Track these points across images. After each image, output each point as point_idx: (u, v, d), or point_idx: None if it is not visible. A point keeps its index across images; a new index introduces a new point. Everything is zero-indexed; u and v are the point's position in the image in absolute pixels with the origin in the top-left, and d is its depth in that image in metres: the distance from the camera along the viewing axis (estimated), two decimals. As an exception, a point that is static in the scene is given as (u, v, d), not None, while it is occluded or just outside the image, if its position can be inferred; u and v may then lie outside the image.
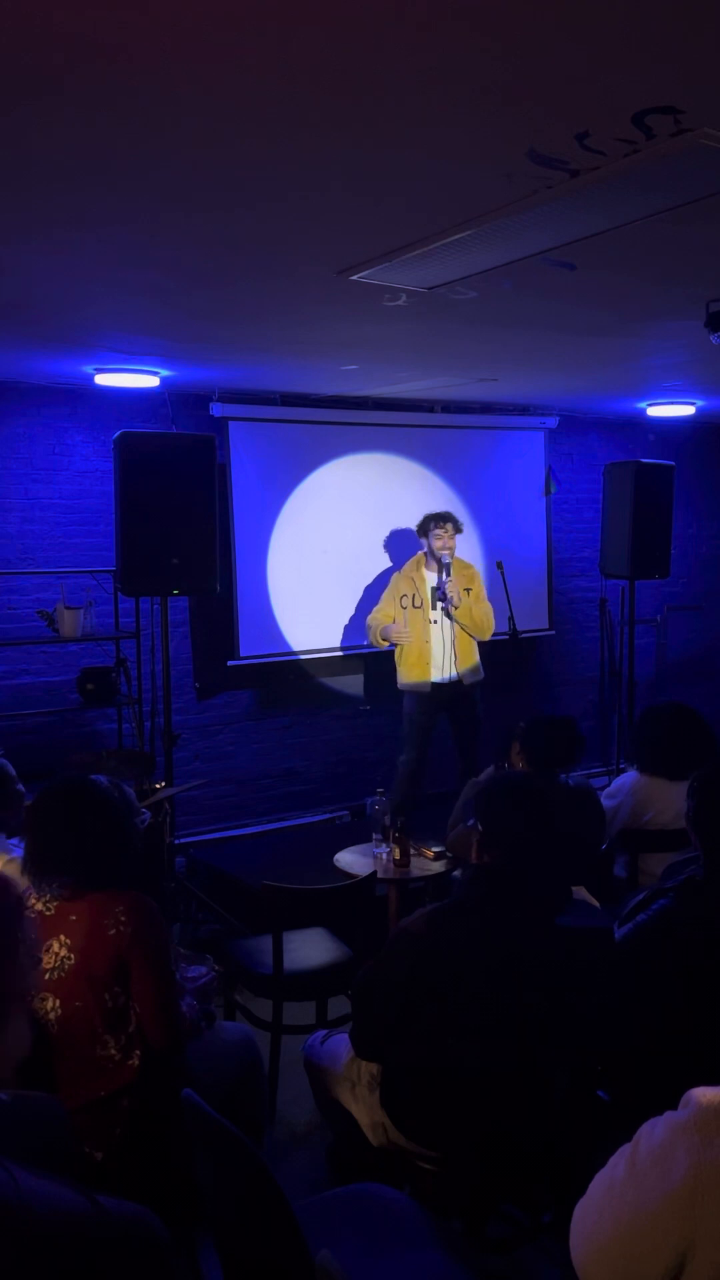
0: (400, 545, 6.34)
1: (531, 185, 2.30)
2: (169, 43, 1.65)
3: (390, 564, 6.27)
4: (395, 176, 2.27)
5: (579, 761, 3.84)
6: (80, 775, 2.67)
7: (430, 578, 5.63)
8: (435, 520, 5.58)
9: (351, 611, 6.28)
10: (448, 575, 5.55)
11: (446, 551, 5.53)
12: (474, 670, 5.68)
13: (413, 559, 5.74)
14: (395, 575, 5.80)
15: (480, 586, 5.75)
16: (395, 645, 5.67)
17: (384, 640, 5.64)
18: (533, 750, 3.76)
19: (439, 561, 5.55)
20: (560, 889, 2.64)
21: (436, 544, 5.55)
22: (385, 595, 5.75)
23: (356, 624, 6.22)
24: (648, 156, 2.11)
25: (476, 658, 5.71)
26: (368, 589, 6.28)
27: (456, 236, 2.67)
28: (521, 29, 1.61)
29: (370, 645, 5.86)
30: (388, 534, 6.36)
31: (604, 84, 1.80)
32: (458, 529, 5.60)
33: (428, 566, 5.65)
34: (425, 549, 5.64)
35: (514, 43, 1.66)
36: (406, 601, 5.62)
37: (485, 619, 5.71)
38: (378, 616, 5.69)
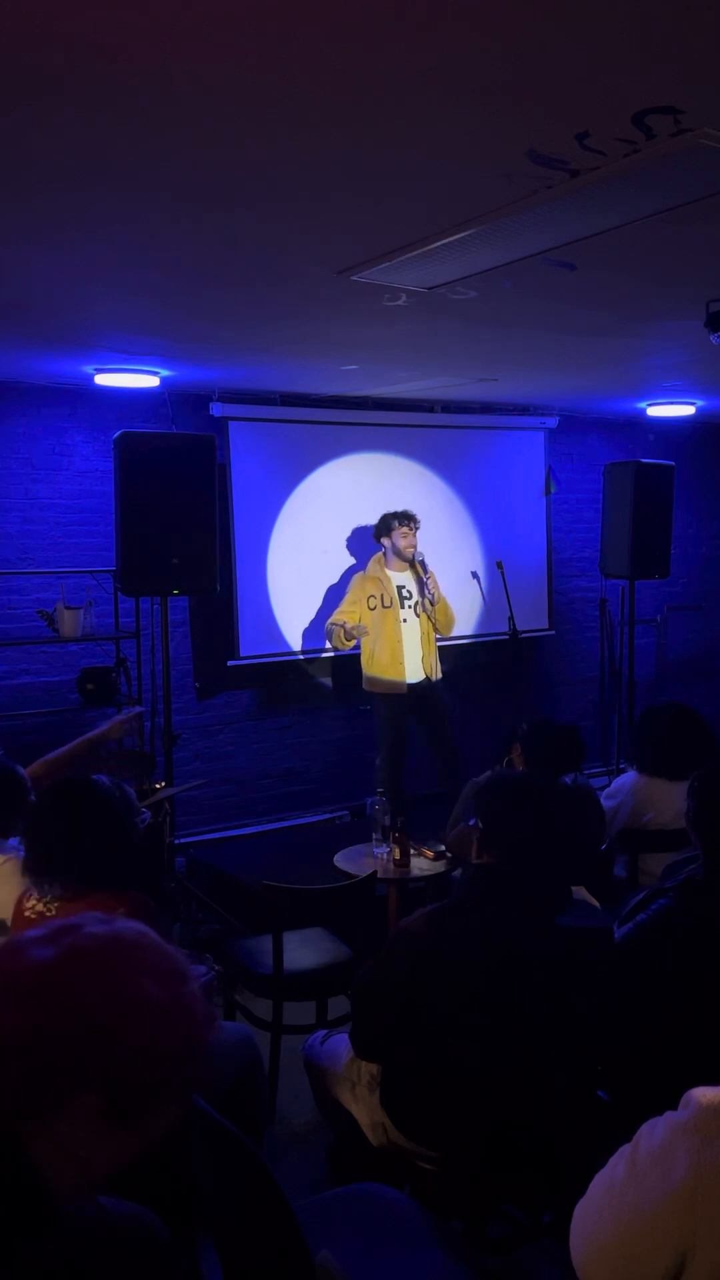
0: (367, 550, 6.32)
1: (531, 185, 2.30)
2: (169, 43, 1.65)
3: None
4: (395, 176, 2.27)
5: (579, 767, 3.83)
6: (82, 775, 2.67)
7: (395, 577, 5.63)
8: (399, 519, 5.57)
9: (314, 617, 6.20)
10: (426, 572, 5.59)
11: (414, 549, 5.57)
12: (439, 668, 5.72)
13: (374, 559, 5.74)
14: (357, 576, 5.75)
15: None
16: (360, 647, 5.66)
17: (349, 641, 5.57)
18: (533, 752, 3.76)
19: (409, 560, 5.57)
20: (561, 889, 2.64)
21: (403, 543, 5.56)
22: (349, 597, 5.70)
23: (317, 630, 6.15)
24: (648, 156, 2.11)
25: (437, 660, 5.73)
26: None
27: (456, 236, 2.67)
28: (521, 29, 1.61)
29: (335, 649, 5.82)
30: (353, 540, 6.31)
31: (604, 84, 1.80)
32: (417, 526, 5.63)
33: (390, 566, 5.64)
34: (388, 549, 5.63)
35: (514, 43, 1.66)
36: (375, 602, 5.59)
37: (453, 614, 5.79)
38: (343, 617, 5.61)
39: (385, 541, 5.63)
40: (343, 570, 6.20)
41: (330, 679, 6.41)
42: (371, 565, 5.72)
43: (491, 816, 2.52)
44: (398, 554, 5.58)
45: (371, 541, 5.83)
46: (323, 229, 2.66)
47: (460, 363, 5.02)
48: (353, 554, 6.23)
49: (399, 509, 5.63)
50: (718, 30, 1.61)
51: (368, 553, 5.94)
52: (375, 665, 5.63)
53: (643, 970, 2.45)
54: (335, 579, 6.18)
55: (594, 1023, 2.45)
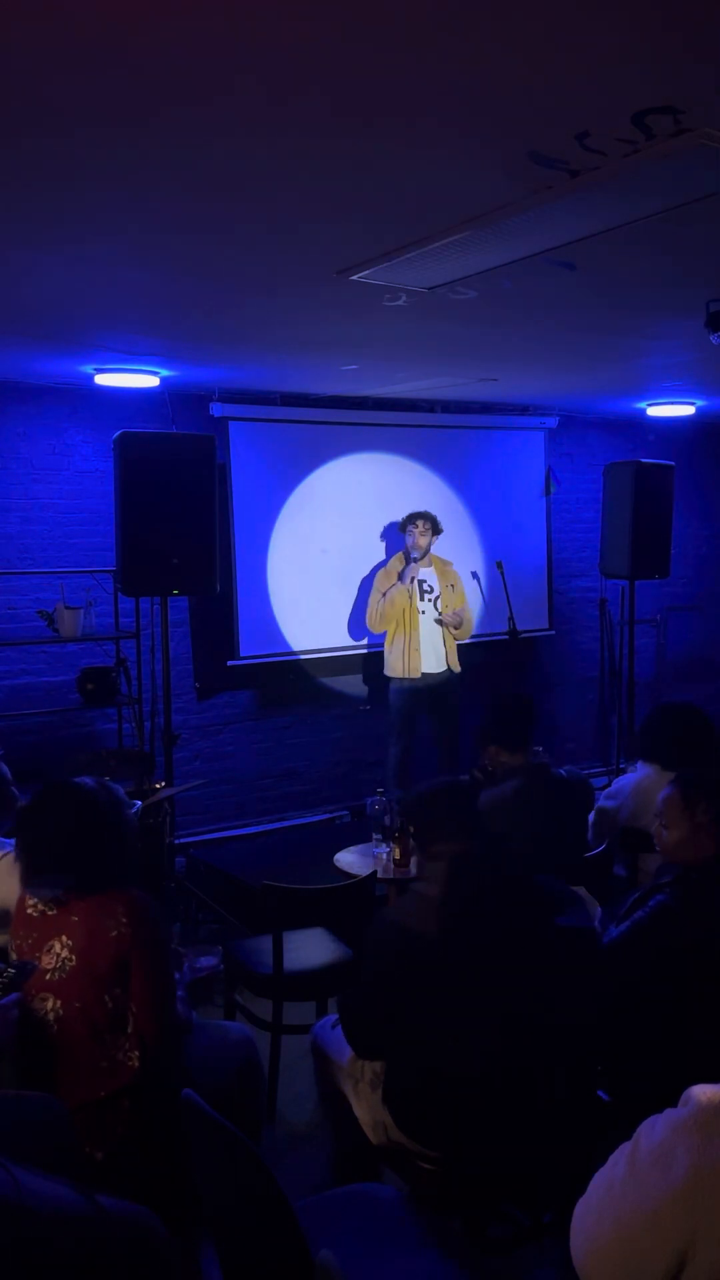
0: (399, 544, 6.36)
1: (531, 185, 2.31)
2: (169, 40, 1.65)
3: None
4: (395, 176, 2.27)
5: (530, 726, 3.92)
6: (63, 780, 2.65)
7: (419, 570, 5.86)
8: (409, 517, 5.83)
9: (351, 611, 6.28)
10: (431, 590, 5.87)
11: (419, 548, 5.78)
12: (456, 663, 5.90)
13: (398, 554, 5.97)
14: (383, 570, 5.98)
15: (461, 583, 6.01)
16: (386, 634, 5.86)
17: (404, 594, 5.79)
18: (496, 736, 3.86)
19: (420, 557, 5.79)
20: (559, 887, 2.64)
21: (409, 541, 5.81)
22: (375, 586, 5.97)
23: (357, 623, 6.24)
24: (648, 156, 2.11)
25: (455, 652, 5.92)
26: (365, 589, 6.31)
27: (456, 236, 2.67)
28: (523, 28, 1.61)
29: (374, 638, 6.06)
30: (387, 534, 6.37)
31: (604, 84, 1.80)
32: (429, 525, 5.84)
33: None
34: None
35: (514, 42, 1.66)
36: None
37: (468, 623, 5.98)
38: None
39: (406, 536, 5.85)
40: (343, 569, 6.23)
41: (361, 675, 6.49)
42: (393, 560, 5.95)
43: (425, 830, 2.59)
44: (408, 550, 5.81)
45: (400, 542, 6.02)
46: (323, 229, 2.66)
47: (460, 363, 5.02)
48: (390, 554, 6.36)
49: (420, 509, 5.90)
50: (718, 30, 1.61)
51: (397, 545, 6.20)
52: (391, 653, 5.85)
53: (640, 967, 2.45)
54: (335, 578, 6.20)
55: (593, 1021, 2.45)
